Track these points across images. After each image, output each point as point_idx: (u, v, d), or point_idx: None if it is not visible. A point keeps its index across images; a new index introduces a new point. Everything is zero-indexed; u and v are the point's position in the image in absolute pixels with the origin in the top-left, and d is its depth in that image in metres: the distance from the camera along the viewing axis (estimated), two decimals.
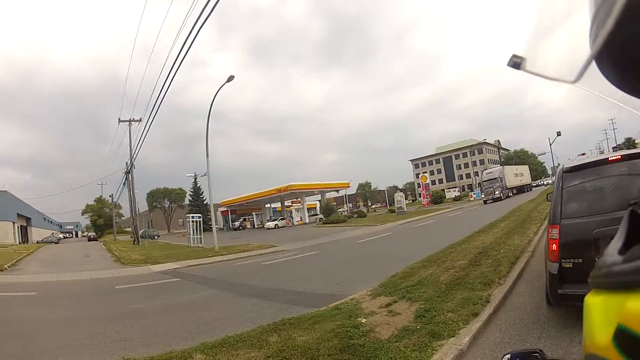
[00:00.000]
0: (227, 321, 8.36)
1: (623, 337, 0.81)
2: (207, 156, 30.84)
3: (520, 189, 64.75)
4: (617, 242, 1.01)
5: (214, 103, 30.08)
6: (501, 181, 55.36)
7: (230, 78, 29.38)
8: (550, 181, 79.48)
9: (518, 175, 65.60)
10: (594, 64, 0.84)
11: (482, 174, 64.15)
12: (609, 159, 5.85)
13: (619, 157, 5.78)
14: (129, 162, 48.72)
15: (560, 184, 5.80)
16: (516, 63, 0.98)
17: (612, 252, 0.98)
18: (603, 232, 5.10)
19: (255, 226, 74.00)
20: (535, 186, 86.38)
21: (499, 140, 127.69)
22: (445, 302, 7.07)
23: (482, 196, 56.88)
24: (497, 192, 53.67)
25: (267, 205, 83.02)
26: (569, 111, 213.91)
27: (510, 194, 57.58)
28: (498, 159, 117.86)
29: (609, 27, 0.72)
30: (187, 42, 19.51)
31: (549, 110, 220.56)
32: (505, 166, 63.08)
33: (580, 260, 5.31)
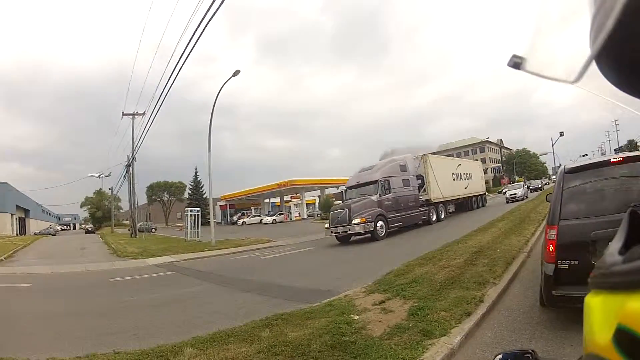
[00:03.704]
0: (220, 315, 8.32)
1: (623, 337, 0.80)
2: (209, 150, 30.82)
3: (465, 204, 37.24)
4: (617, 242, 1.01)
5: (219, 97, 30.16)
6: (386, 190, 24.31)
7: (236, 72, 29.59)
8: (539, 184, 72.27)
9: (459, 177, 36.00)
10: (594, 64, 0.83)
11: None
12: (611, 160, 5.84)
13: (621, 159, 5.75)
14: (131, 155, 48.84)
15: (561, 185, 5.76)
16: (516, 63, 0.98)
17: (612, 252, 0.99)
18: (601, 234, 5.06)
19: (248, 222, 72.84)
20: (532, 190, 63.23)
21: (501, 139, 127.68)
22: (438, 300, 7.04)
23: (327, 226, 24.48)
24: (356, 222, 22.14)
25: (267, 200, 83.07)
26: (572, 111, 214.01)
27: (420, 222, 27.50)
28: (500, 157, 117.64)
29: (609, 27, 0.72)
30: (195, 35, 19.83)
31: (554, 109, 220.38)
32: (426, 155, 30.33)
33: (576, 262, 5.27)
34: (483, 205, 41.44)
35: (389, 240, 21.75)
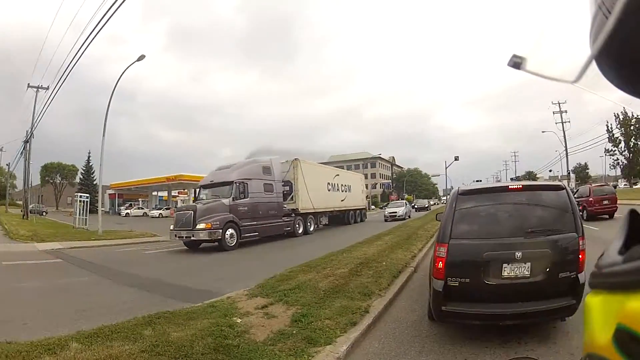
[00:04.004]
0: (105, 309, 8.15)
1: (623, 337, 0.83)
2: (104, 135, 29.78)
3: (342, 217, 34.97)
4: (617, 242, 1.04)
5: (121, 81, 29.75)
6: (241, 194, 21.32)
7: (141, 57, 28.84)
8: (426, 204, 70.90)
9: (335, 188, 33.25)
10: (594, 64, 0.85)
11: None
12: (509, 187, 6.08)
13: (520, 186, 6.02)
14: (30, 130, 45.31)
15: (454, 205, 5.86)
16: (516, 63, 0.99)
17: (612, 252, 1.03)
18: (494, 255, 5.26)
19: (132, 214, 70.90)
20: (417, 209, 62.91)
21: (393, 157, 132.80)
22: (323, 308, 6.97)
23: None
24: (200, 228, 19.28)
25: (155, 193, 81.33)
26: (470, 137, 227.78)
27: (283, 233, 24.76)
28: (390, 175, 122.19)
29: (609, 27, 0.74)
30: (110, 11, 19.29)
31: (451, 134, 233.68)
32: (298, 160, 27.15)
33: (467, 280, 5.39)
34: (362, 221, 39.19)
35: (240, 252, 19.27)
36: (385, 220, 37.70)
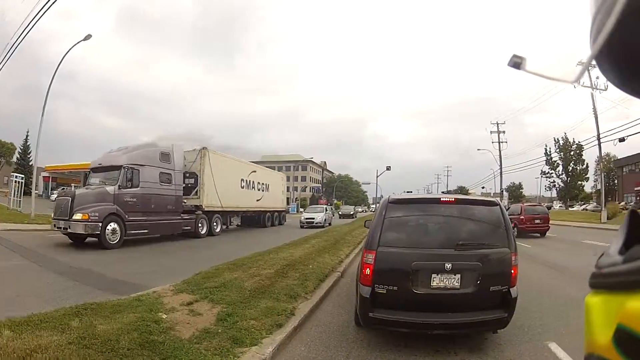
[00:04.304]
0: (34, 297, 8.23)
1: (623, 337, 0.84)
2: (42, 115, 28.68)
3: (257, 219, 33.08)
4: (617, 242, 1.05)
5: (65, 60, 28.73)
6: (128, 181, 18.65)
7: (87, 37, 27.89)
8: (351, 211, 66.67)
9: (250, 186, 30.81)
10: (594, 64, 0.87)
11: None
12: (442, 199, 6.18)
13: (452, 199, 6.11)
14: None
15: (384, 213, 5.87)
16: (516, 63, 1.01)
17: (612, 252, 1.05)
18: (422, 265, 5.34)
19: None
20: (342, 216, 60.27)
21: (325, 162, 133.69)
22: (248, 308, 6.95)
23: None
24: (76, 219, 16.62)
25: None
26: (404, 148, 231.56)
27: (182, 232, 22.47)
28: (321, 179, 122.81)
29: (609, 27, 0.74)
30: None
31: (386, 143, 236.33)
32: (206, 149, 24.47)
33: (395, 287, 5.44)
34: (280, 224, 36.89)
35: (123, 251, 16.77)
36: (301, 227, 34.27)
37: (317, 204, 71.57)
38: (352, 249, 16.34)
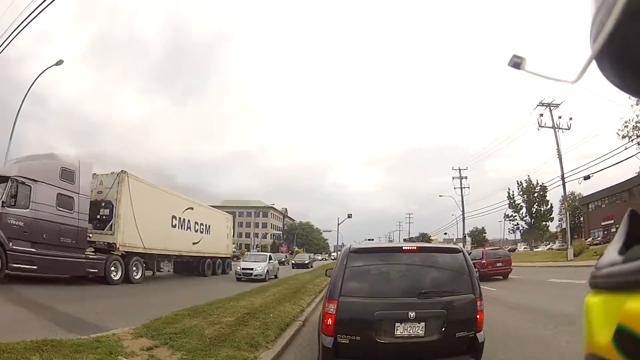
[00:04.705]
0: None
1: (623, 337, 0.84)
2: (11, 137, 27.76)
3: (195, 265, 28.03)
4: (617, 242, 1.05)
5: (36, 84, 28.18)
6: (12, 197, 14.63)
7: (59, 62, 27.56)
8: (307, 259, 57.31)
9: (185, 225, 25.81)
10: (594, 64, 0.87)
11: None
12: (403, 247, 6.23)
13: (415, 248, 6.14)
14: None
15: (345, 262, 5.81)
16: (516, 63, 1.03)
17: (612, 252, 1.04)
18: (386, 314, 5.31)
19: None
20: (296, 265, 52.31)
21: (286, 209, 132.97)
22: (208, 357, 6.87)
23: None
24: None
25: None
26: (365, 197, 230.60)
27: (87, 275, 17.62)
28: (282, 226, 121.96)
29: (609, 27, 0.75)
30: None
31: (347, 191, 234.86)
32: (126, 173, 19.98)
33: (358, 337, 5.40)
34: (224, 273, 31.42)
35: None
36: (238, 279, 26.66)
37: (278, 252, 68.46)
38: (314, 298, 16.14)
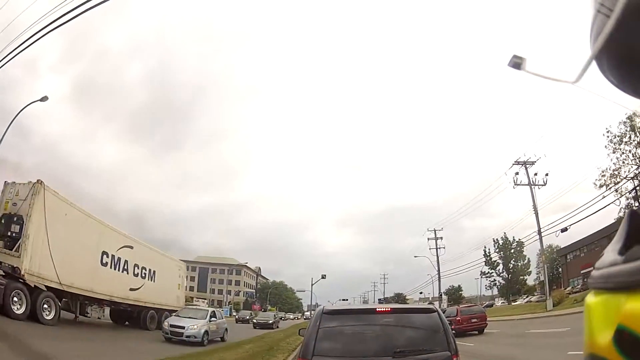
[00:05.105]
0: None
1: (623, 337, 0.83)
2: None
3: (137, 316, 22.97)
4: (617, 243, 1.04)
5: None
6: None
7: (44, 98, 27.41)
8: (271, 319, 44.35)
9: (121, 266, 20.83)
10: (594, 64, 0.87)
11: None
12: (377, 309, 6.28)
13: (388, 309, 6.14)
14: None
15: (318, 323, 5.73)
16: (516, 63, 1.04)
17: (612, 252, 1.03)
18: None
19: None
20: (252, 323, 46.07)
21: (260, 267, 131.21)
22: None
23: None
24: None
25: None
26: (339, 257, 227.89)
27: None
28: (255, 284, 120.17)
29: (609, 27, 0.76)
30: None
31: (322, 252, 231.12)
32: (42, 184, 15.68)
33: None
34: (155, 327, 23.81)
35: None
36: (167, 339, 19.40)
37: (251, 309, 65.64)
38: (287, 356, 15.82)
